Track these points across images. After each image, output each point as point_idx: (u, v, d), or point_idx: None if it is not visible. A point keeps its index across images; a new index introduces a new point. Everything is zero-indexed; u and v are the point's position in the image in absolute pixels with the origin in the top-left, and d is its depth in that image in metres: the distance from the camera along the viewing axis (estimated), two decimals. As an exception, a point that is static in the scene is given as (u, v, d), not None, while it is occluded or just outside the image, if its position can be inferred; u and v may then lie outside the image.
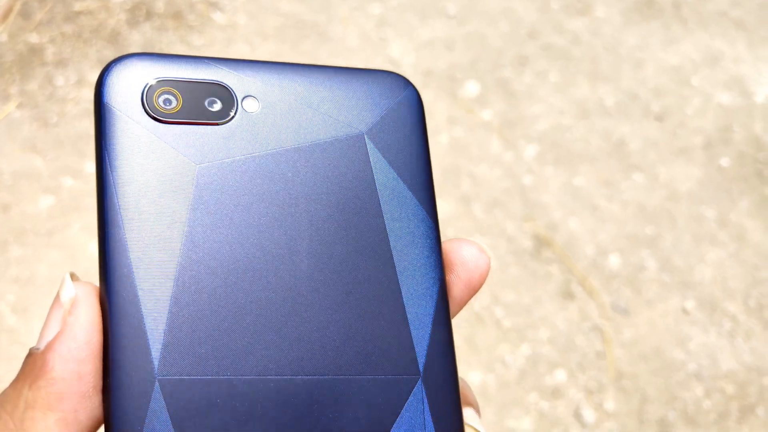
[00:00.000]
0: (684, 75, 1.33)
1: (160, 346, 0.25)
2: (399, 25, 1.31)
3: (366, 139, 0.29)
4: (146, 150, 0.27)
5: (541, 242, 1.14)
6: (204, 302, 0.26)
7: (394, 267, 0.28)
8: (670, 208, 1.19)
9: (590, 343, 1.08)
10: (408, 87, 0.30)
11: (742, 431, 1.04)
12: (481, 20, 1.34)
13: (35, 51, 1.19)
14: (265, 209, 0.27)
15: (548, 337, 1.07)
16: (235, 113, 0.28)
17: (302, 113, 0.29)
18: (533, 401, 1.03)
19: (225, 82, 0.28)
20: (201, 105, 0.28)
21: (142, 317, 0.25)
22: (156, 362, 0.25)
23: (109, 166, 0.26)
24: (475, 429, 0.28)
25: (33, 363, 0.25)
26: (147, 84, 0.27)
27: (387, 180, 0.29)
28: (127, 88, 0.27)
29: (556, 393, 1.04)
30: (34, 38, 1.20)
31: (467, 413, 0.28)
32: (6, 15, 1.20)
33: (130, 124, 0.27)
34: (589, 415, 1.03)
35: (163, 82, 0.28)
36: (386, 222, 0.28)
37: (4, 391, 0.25)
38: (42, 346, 0.25)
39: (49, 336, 0.25)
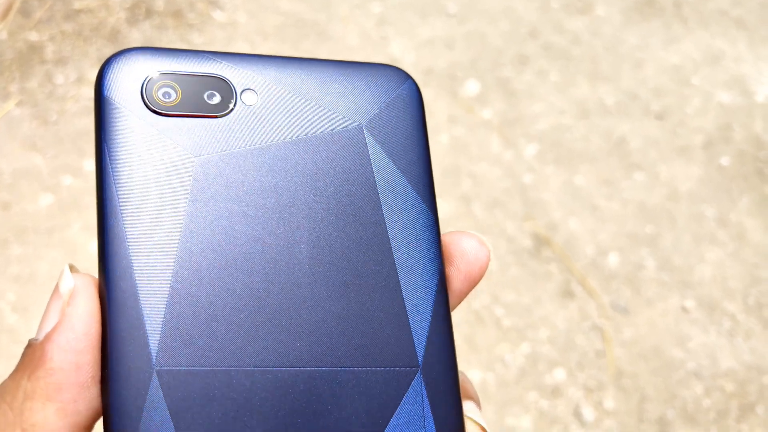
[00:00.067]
0: (684, 74, 1.33)
1: (158, 337, 0.25)
2: (399, 24, 1.31)
3: (365, 131, 0.29)
4: (146, 142, 0.27)
5: (541, 241, 1.14)
6: (202, 294, 0.26)
7: (393, 259, 0.28)
8: (670, 207, 1.19)
9: (590, 342, 1.08)
10: (407, 80, 0.30)
11: (741, 430, 1.04)
12: (481, 19, 1.34)
13: (35, 49, 1.19)
14: (263, 201, 0.27)
15: (548, 336, 1.07)
16: (234, 106, 0.28)
17: (301, 106, 0.29)
18: (533, 400, 1.03)
19: (224, 75, 0.28)
20: (200, 98, 0.28)
21: (141, 308, 0.25)
22: (154, 353, 0.25)
23: (108, 159, 0.26)
24: (476, 422, 0.28)
25: (32, 354, 0.25)
26: (147, 77, 0.28)
27: (386, 172, 0.29)
28: (126, 81, 0.27)
29: (555, 392, 1.04)
30: (33, 36, 1.21)
31: (468, 406, 0.28)
32: (6, 13, 1.20)
33: (130, 117, 0.27)
34: (588, 413, 1.03)
35: (162, 76, 0.28)
36: (385, 214, 0.28)
37: (4, 382, 0.25)
38: (41, 337, 0.25)
39: (47, 327, 0.25)
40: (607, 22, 1.37)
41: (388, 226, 0.28)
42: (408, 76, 0.30)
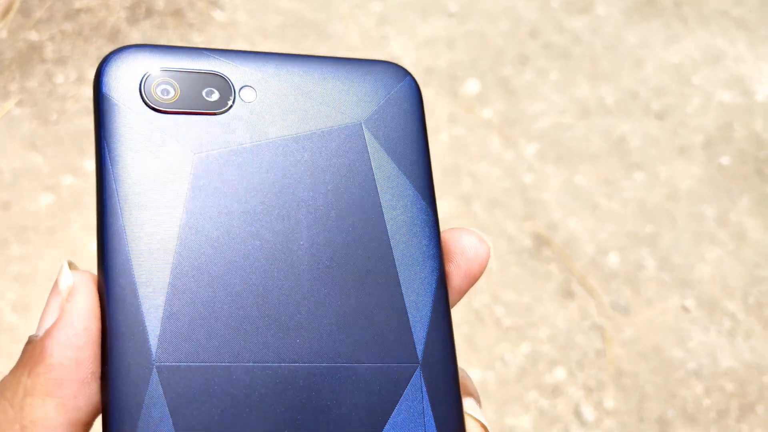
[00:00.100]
0: (685, 73, 1.33)
1: (157, 333, 0.25)
2: (400, 23, 1.31)
3: (364, 128, 0.29)
4: (144, 139, 0.27)
5: (541, 241, 1.14)
6: (201, 289, 0.26)
7: (393, 256, 0.28)
8: (670, 206, 1.19)
9: (590, 341, 1.08)
10: (406, 76, 0.30)
11: (741, 429, 1.04)
12: (481, 18, 1.34)
13: (35, 48, 1.19)
14: (262, 198, 0.27)
15: (548, 335, 1.07)
16: (233, 103, 0.28)
17: (299, 103, 0.29)
18: (533, 399, 1.03)
19: (222, 72, 0.28)
20: (198, 95, 0.28)
21: (140, 304, 0.25)
22: (154, 349, 0.25)
23: (107, 156, 0.26)
24: (476, 419, 0.28)
25: (32, 350, 0.25)
26: (145, 75, 0.28)
27: (385, 169, 0.29)
28: (125, 78, 0.27)
29: (555, 391, 1.04)
30: (33, 36, 1.21)
31: (468, 403, 0.28)
32: (6, 12, 1.20)
33: (129, 114, 0.27)
34: (588, 413, 1.03)
35: (161, 73, 0.28)
36: (384, 211, 0.28)
37: (4, 379, 0.25)
38: (40, 334, 0.25)
39: (47, 323, 0.25)
40: (607, 21, 1.37)
41: (387, 222, 0.28)
42: (407, 73, 0.30)
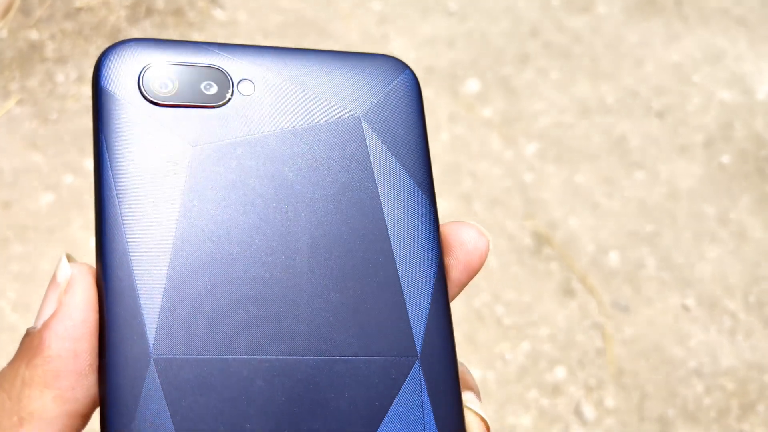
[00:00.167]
0: (685, 72, 1.33)
1: (155, 325, 0.25)
2: (400, 22, 1.31)
3: (362, 121, 0.29)
4: (143, 133, 0.27)
5: (542, 240, 1.14)
6: (199, 282, 0.26)
7: (391, 249, 0.28)
8: (670, 205, 1.19)
9: (590, 340, 1.08)
10: (404, 70, 0.30)
11: (742, 428, 1.04)
12: (482, 17, 1.34)
13: (35, 47, 1.20)
14: (260, 191, 0.27)
15: (548, 334, 1.07)
16: (231, 96, 0.28)
17: (298, 96, 0.29)
18: (533, 398, 1.03)
19: (221, 65, 0.28)
20: (197, 88, 0.28)
21: (138, 296, 0.25)
22: (151, 341, 0.25)
23: (106, 149, 0.26)
24: (476, 412, 0.28)
25: (30, 342, 0.25)
26: (143, 68, 0.28)
27: (384, 163, 0.29)
28: (124, 72, 0.27)
29: (556, 390, 1.04)
30: (34, 35, 1.21)
31: (467, 397, 0.28)
32: (6, 11, 1.20)
33: (127, 108, 0.27)
34: (589, 411, 1.03)
35: (159, 67, 0.28)
36: (383, 204, 0.28)
37: (2, 370, 0.25)
38: (39, 326, 0.25)
39: (45, 315, 0.25)
40: (607, 20, 1.37)
41: (386, 215, 0.28)
42: (406, 66, 0.30)
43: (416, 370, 0.27)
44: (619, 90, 1.29)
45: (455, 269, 0.29)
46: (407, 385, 0.27)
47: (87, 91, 1.16)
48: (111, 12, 1.24)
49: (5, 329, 0.98)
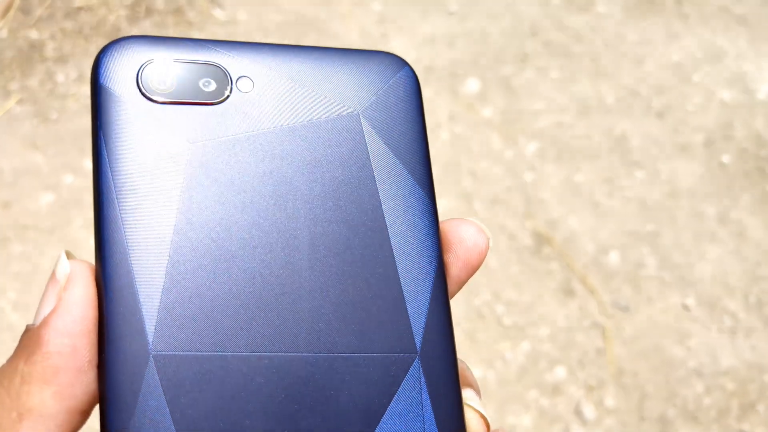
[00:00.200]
0: (685, 71, 1.33)
1: (154, 322, 0.25)
2: (400, 22, 1.31)
3: (361, 118, 0.29)
4: (141, 130, 0.27)
5: (542, 240, 1.14)
6: (198, 279, 0.26)
7: (391, 246, 0.28)
8: (670, 205, 1.19)
9: (590, 340, 1.08)
10: (404, 67, 0.30)
11: (742, 428, 1.04)
12: (482, 17, 1.34)
13: (35, 47, 1.20)
14: (259, 188, 0.27)
15: (548, 334, 1.07)
16: (230, 93, 0.28)
17: (297, 93, 0.29)
18: (533, 398, 1.03)
19: (219, 62, 0.28)
20: (195, 85, 0.28)
21: (137, 293, 0.25)
22: (150, 338, 0.25)
23: (104, 146, 0.26)
24: (476, 409, 0.28)
25: (29, 338, 0.25)
26: (142, 65, 0.28)
27: (383, 159, 0.29)
28: (122, 69, 0.27)
29: (556, 390, 1.04)
30: (34, 34, 1.21)
31: (467, 394, 0.28)
32: (6, 11, 1.20)
33: (126, 105, 0.27)
34: (589, 411, 1.03)
35: (158, 64, 0.28)
36: (382, 201, 0.28)
37: (1, 367, 0.25)
38: (38, 322, 0.25)
39: (44, 312, 0.25)
40: (607, 19, 1.37)
41: (385, 212, 0.28)
42: (405, 63, 0.30)
43: (416, 367, 0.27)
44: (620, 89, 1.29)
45: (455, 266, 0.29)
46: (407, 382, 0.27)
47: (87, 90, 1.16)
48: (111, 11, 1.24)
49: (6, 329, 0.98)
